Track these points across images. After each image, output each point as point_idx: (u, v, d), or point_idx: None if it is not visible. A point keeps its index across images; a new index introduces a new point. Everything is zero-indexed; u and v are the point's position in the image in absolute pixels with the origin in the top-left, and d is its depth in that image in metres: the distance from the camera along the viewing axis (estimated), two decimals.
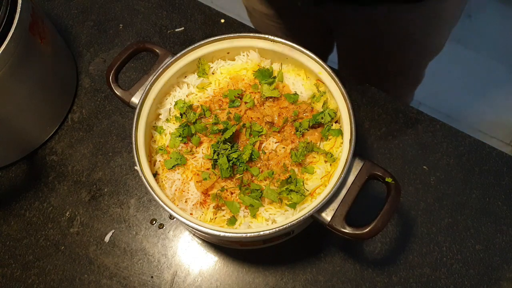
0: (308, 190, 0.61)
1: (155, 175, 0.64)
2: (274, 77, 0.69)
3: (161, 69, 0.66)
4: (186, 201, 0.62)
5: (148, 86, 0.65)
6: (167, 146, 0.65)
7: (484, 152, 0.79)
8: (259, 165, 0.63)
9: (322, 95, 0.67)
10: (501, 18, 2.06)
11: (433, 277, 0.71)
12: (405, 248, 0.73)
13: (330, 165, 0.63)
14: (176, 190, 0.62)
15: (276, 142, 0.64)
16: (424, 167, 0.79)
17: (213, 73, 0.71)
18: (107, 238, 0.76)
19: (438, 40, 0.99)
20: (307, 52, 0.66)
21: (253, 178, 0.62)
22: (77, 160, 0.83)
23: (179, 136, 0.65)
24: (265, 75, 0.68)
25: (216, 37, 0.68)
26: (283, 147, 0.64)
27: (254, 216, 0.60)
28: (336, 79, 0.63)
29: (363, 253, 0.73)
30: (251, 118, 0.66)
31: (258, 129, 0.64)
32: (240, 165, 0.62)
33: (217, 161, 0.62)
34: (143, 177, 0.59)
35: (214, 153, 0.62)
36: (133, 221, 0.77)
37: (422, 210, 0.75)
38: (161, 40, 0.94)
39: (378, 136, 0.81)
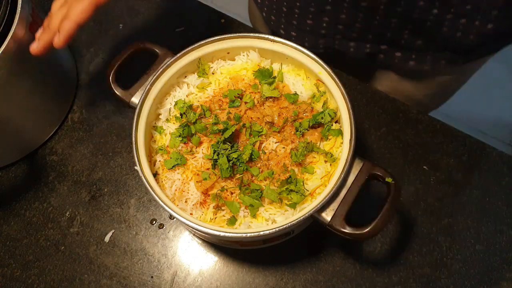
0: (308, 190, 0.61)
1: (155, 175, 0.64)
2: (274, 77, 0.69)
3: (161, 69, 0.66)
4: (186, 201, 0.62)
5: (148, 86, 0.65)
6: (167, 146, 0.65)
7: (484, 152, 0.79)
8: (259, 165, 0.63)
9: (322, 95, 0.67)
10: None
11: (433, 277, 0.71)
12: (405, 248, 0.73)
13: (330, 165, 0.63)
14: (176, 190, 0.62)
15: (276, 142, 0.64)
16: (424, 167, 0.79)
17: (213, 73, 0.71)
18: (107, 238, 0.76)
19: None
20: (307, 52, 0.66)
21: (253, 178, 0.62)
22: (77, 160, 0.83)
23: (179, 136, 0.65)
24: (265, 75, 0.68)
25: (216, 37, 0.68)
26: (283, 147, 0.64)
27: (254, 216, 0.60)
28: (336, 79, 0.63)
29: (363, 253, 0.73)
30: (251, 118, 0.66)
31: (258, 129, 0.64)
32: (240, 165, 0.62)
33: (217, 161, 0.62)
34: (143, 177, 0.59)
35: (214, 153, 0.62)
36: (133, 221, 0.77)
37: (422, 210, 0.75)
38: (161, 40, 0.94)
39: (378, 136, 0.81)
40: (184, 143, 0.65)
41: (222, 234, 0.55)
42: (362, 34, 0.82)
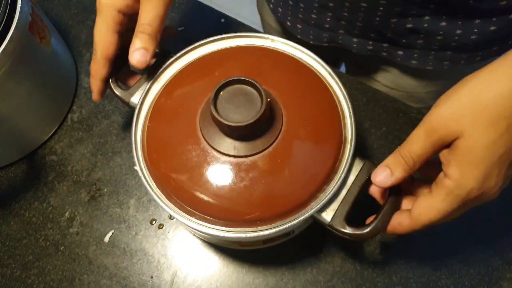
0: None
1: None
2: None
3: (161, 69, 0.66)
4: None
5: (148, 86, 0.65)
6: None
7: None
8: None
9: None
10: None
11: (433, 277, 0.71)
12: (405, 248, 0.73)
13: None
14: None
15: None
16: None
17: None
18: (106, 238, 0.76)
19: None
20: (307, 51, 0.65)
21: None
22: (76, 160, 0.83)
23: None
24: None
25: (216, 37, 0.68)
26: None
27: None
28: (337, 79, 0.63)
29: (363, 253, 0.73)
30: None
31: None
32: None
33: None
34: (142, 177, 0.59)
35: None
36: (133, 221, 0.77)
37: None
38: (161, 39, 0.94)
39: (378, 136, 0.81)
40: None
41: (222, 234, 0.55)
42: (364, 32, 0.83)
